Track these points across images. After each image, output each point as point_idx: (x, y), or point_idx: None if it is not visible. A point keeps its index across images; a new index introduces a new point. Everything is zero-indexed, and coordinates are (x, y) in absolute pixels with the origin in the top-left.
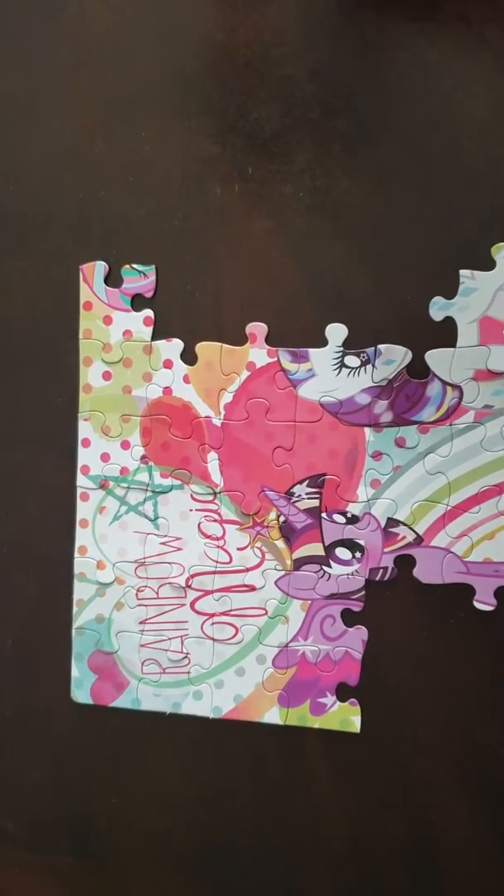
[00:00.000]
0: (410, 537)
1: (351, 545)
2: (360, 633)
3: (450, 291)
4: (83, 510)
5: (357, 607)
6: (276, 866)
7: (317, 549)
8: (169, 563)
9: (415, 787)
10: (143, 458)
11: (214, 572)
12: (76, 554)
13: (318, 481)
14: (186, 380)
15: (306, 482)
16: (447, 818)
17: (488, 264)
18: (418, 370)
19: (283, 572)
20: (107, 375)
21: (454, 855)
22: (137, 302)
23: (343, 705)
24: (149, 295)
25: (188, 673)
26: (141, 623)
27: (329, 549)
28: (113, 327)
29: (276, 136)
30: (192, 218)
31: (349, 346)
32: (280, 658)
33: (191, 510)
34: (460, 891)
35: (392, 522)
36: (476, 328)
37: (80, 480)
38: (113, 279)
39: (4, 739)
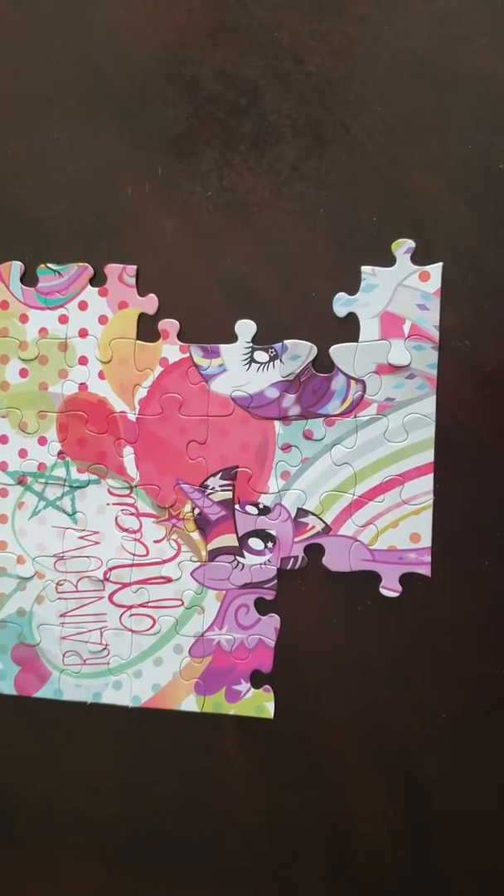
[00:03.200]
0: (319, 527)
1: (263, 535)
2: (272, 621)
3: (352, 288)
4: (2, 506)
5: (269, 596)
6: (196, 847)
7: (231, 540)
8: (87, 556)
9: (325, 768)
10: (60, 453)
11: (132, 565)
12: None
13: (230, 474)
14: (101, 376)
15: (219, 475)
16: (356, 797)
17: (389, 261)
18: (324, 365)
19: (198, 563)
20: (23, 373)
21: (363, 832)
22: (53, 300)
23: (257, 692)
24: (64, 294)
25: (108, 664)
26: (61, 616)
27: (242, 539)
28: (29, 325)
29: (185, 135)
30: (105, 218)
31: (258, 341)
32: (196, 647)
33: (108, 504)
34: (370, 865)
35: (302, 513)
36: (377, 323)
37: None
38: (29, 278)
39: None
